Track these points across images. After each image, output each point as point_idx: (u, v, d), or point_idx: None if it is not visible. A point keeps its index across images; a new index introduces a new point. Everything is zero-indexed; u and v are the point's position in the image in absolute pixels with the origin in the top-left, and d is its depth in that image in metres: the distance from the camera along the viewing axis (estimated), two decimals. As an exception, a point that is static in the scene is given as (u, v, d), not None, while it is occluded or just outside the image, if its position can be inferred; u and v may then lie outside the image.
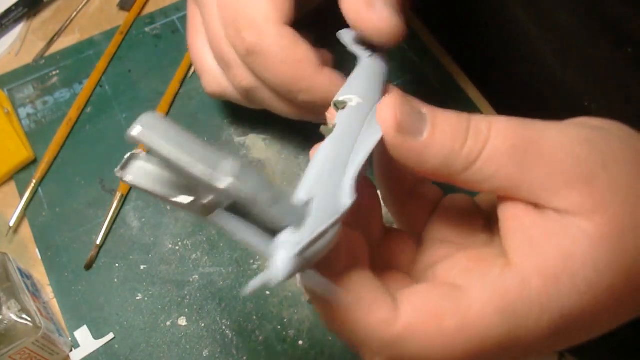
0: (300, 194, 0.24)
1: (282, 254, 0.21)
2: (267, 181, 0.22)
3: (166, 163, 0.21)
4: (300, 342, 0.39)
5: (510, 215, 0.26)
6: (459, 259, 0.27)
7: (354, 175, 0.25)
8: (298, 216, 0.23)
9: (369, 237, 0.29)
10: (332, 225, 0.23)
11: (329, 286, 0.23)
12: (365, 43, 0.33)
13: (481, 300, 0.24)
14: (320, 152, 0.26)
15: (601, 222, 0.24)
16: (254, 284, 0.21)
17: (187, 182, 0.22)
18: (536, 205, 0.25)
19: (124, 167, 0.22)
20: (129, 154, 0.22)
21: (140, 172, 0.22)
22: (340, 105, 0.28)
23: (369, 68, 0.31)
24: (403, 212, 0.31)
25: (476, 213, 0.30)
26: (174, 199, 0.22)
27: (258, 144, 0.47)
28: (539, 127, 0.25)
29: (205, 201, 0.21)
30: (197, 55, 0.41)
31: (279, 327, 0.39)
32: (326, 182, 0.25)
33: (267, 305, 0.40)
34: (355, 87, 0.29)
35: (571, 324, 0.24)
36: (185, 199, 0.22)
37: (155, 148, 0.21)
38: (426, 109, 0.26)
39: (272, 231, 0.22)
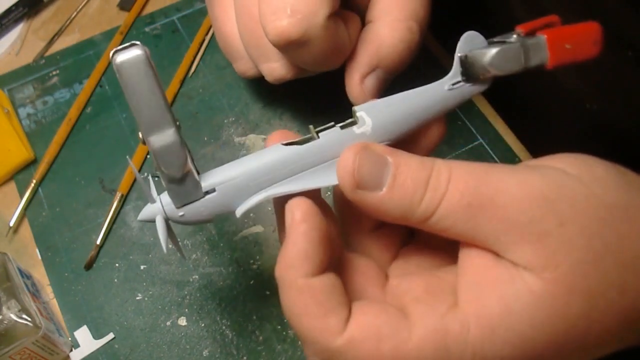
0: (211, 180, 0.28)
1: (152, 206, 0.28)
2: (183, 162, 0.27)
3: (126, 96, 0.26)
4: (300, 342, 0.39)
5: (466, 257, 0.27)
6: (417, 284, 0.28)
7: (266, 196, 0.27)
8: (189, 193, 0.28)
9: (362, 226, 0.31)
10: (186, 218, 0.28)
11: (165, 242, 0.28)
12: (473, 74, 0.29)
13: (421, 334, 0.25)
14: (269, 153, 0.28)
15: (549, 280, 0.24)
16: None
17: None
18: (493, 254, 0.26)
19: (120, 51, 0.25)
20: (130, 43, 0.25)
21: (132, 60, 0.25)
22: (354, 117, 0.29)
23: (431, 95, 0.29)
24: (365, 249, 0.31)
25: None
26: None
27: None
28: (498, 180, 0.25)
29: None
30: (234, 42, 0.41)
31: (279, 327, 0.39)
32: (240, 185, 0.28)
33: (267, 305, 0.40)
34: (390, 109, 0.29)
35: None
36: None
37: (125, 82, 0.25)
38: (391, 157, 0.26)
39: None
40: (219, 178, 0.28)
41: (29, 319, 0.36)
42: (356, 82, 0.38)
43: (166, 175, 0.27)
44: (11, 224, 0.44)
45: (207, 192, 0.28)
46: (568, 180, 0.25)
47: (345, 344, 0.25)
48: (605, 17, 0.36)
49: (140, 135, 0.27)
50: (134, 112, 0.26)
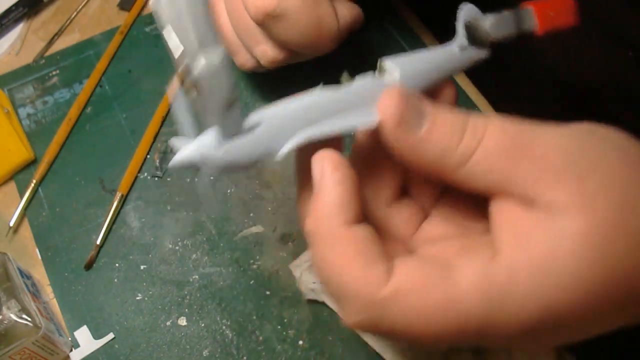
0: (254, 118, 0.26)
1: (188, 146, 0.25)
2: (231, 87, 0.24)
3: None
4: (300, 342, 0.39)
5: (500, 210, 0.26)
6: (453, 243, 0.27)
7: (307, 137, 0.26)
8: (233, 126, 0.25)
9: (380, 197, 0.30)
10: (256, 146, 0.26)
11: (211, 199, 0.25)
12: (476, 38, 0.32)
13: (469, 280, 0.24)
14: (309, 96, 0.27)
15: (590, 220, 0.24)
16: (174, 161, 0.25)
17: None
18: (527, 202, 0.25)
19: None
20: None
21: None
22: (380, 69, 0.29)
23: (443, 55, 0.31)
24: (383, 223, 0.31)
25: (480, 202, 0.30)
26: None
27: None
28: (534, 127, 0.26)
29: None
30: (229, 35, 0.42)
31: (279, 327, 0.39)
32: (283, 124, 0.26)
33: (267, 305, 0.40)
34: (413, 63, 0.30)
35: (554, 320, 0.24)
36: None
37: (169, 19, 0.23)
38: (428, 107, 0.26)
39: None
40: (261, 116, 0.26)
41: (29, 319, 0.36)
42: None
43: (212, 102, 0.24)
44: (11, 224, 0.44)
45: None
46: (597, 134, 0.26)
47: (392, 293, 0.24)
48: (605, 17, 0.36)
49: (181, 63, 0.24)
50: (179, 33, 0.23)
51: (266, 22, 0.37)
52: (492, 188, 0.26)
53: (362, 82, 0.28)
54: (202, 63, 0.23)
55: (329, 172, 0.25)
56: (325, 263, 0.25)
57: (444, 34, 0.32)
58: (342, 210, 0.25)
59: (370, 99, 0.27)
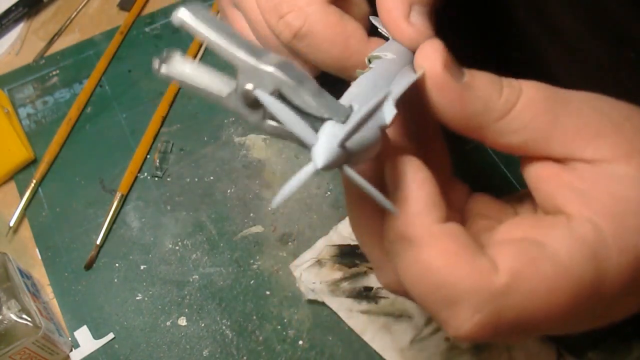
0: (343, 100, 0.24)
1: (323, 141, 0.21)
2: (308, 75, 0.22)
3: (212, 46, 0.22)
4: (300, 342, 0.39)
5: (542, 174, 0.26)
6: (517, 222, 0.26)
7: (395, 97, 0.25)
8: (340, 112, 0.23)
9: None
10: (371, 117, 0.23)
11: (376, 192, 0.22)
12: None
13: (566, 247, 0.24)
14: (362, 78, 0.27)
15: (638, 164, 0.24)
16: (294, 182, 0.21)
17: (222, 78, 0.24)
18: (564, 161, 0.26)
19: (163, 61, 0.23)
20: (165, 50, 0.23)
21: (178, 66, 0.23)
22: (373, 59, 0.29)
23: (399, 45, 0.31)
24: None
25: (506, 203, 0.30)
26: (212, 91, 0.23)
27: (258, 144, 0.47)
28: (563, 89, 0.26)
29: (245, 88, 0.22)
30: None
31: (279, 327, 0.39)
32: (367, 97, 0.24)
33: (267, 305, 0.40)
34: (388, 49, 0.30)
35: None
36: (223, 91, 0.23)
37: (202, 31, 0.21)
38: (460, 66, 0.26)
39: (313, 125, 0.22)
40: (348, 98, 0.25)
41: (29, 319, 0.36)
42: (404, 26, 0.32)
43: (305, 99, 0.22)
44: (11, 224, 0.44)
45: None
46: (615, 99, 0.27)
47: (510, 279, 0.23)
48: (606, 18, 0.36)
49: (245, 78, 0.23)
50: (228, 52, 0.22)
51: (293, 43, 0.35)
52: (529, 144, 0.26)
53: (383, 61, 0.28)
54: (272, 66, 0.22)
55: (413, 173, 0.24)
56: (424, 268, 0.23)
57: (444, 34, 0.32)
58: (434, 208, 0.24)
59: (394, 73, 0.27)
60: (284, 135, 0.23)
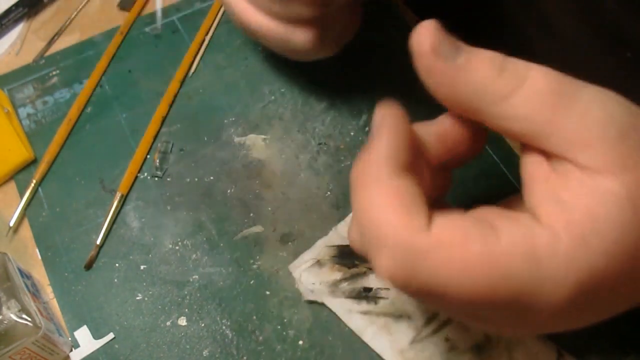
0: None
1: None
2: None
3: None
4: (300, 342, 0.39)
5: (534, 173, 0.26)
6: (492, 208, 0.27)
7: None
8: None
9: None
10: None
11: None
12: None
13: (510, 239, 0.24)
14: None
15: (629, 181, 0.23)
16: None
17: None
18: (561, 158, 0.25)
19: None
20: None
21: None
22: None
23: None
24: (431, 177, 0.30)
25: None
26: None
27: (258, 144, 0.47)
28: (576, 81, 0.25)
29: None
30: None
31: (279, 327, 0.39)
32: None
33: (267, 305, 0.40)
34: None
35: (598, 288, 0.24)
36: None
37: None
38: (464, 45, 0.26)
39: None
40: None
41: (29, 319, 0.36)
42: None
43: None
44: (11, 224, 0.44)
45: None
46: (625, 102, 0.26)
47: (432, 243, 0.23)
48: (604, 17, 0.36)
49: None
50: None
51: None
52: (527, 135, 0.25)
53: None
54: None
55: (387, 121, 0.25)
56: (365, 207, 0.25)
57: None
58: (391, 158, 0.25)
59: None
60: None
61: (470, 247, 0.23)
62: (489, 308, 0.25)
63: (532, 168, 0.26)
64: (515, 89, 0.24)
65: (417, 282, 0.24)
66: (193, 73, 0.51)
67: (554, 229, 0.24)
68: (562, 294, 0.24)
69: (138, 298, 0.41)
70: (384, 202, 0.24)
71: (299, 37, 0.39)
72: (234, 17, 0.42)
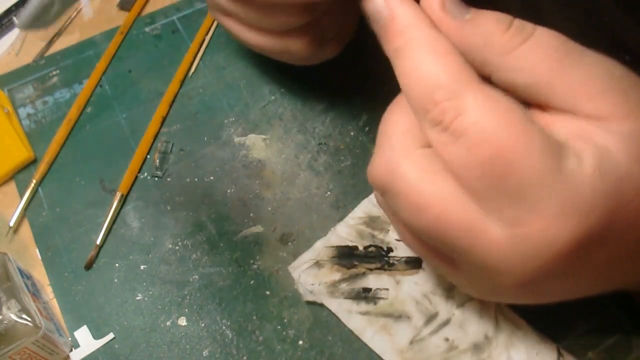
0: None
1: None
2: None
3: None
4: (300, 342, 0.39)
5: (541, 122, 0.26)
6: None
7: None
8: None
9: None
10: None
11: None
12: None
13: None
14: None
15: (635, 123, 0.25)
16: None
17: None
18: (562, 113, 0.26)
19: None
20: None
21: None
22: None
23: None
24: None
25: None
26: None
27: (258, 144, 0.47)
28: (581, 46, 0.27)
29: None
30: None
31: (279, 327, 0.39)
32: None
33: (267, 305, 0.40)
34: None
35: (612, 222, 0.25)
36: None
37: None
38: (472, 8, 0.27)
39: None
40: None
41: (29, 319, 0.36)
42: None
43: None
44: (11, 224, 0.44)
45: None
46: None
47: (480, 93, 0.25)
48: (602, 21, 0.36)
49: None
50: None
51: None
52: (532, 87, 0.26)
53: None
54: None
55: None
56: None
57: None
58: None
59: None
60: None
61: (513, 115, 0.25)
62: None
63: (535, 116, 0.27)
64: (521, 43, 0.26)
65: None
66: (193, 73, 0.51)
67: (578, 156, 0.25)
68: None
69: (138, 298, 0.41)
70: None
71: (296, 46, 0.39)
72: (233, 37, 0.42)
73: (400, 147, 0.27)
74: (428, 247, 0.30)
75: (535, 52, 0.25)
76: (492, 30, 0.26)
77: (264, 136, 0.47)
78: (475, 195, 0.25)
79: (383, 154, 0.28)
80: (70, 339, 0.40)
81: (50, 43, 0.54)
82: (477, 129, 0.24)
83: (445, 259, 0.30)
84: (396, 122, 0.28)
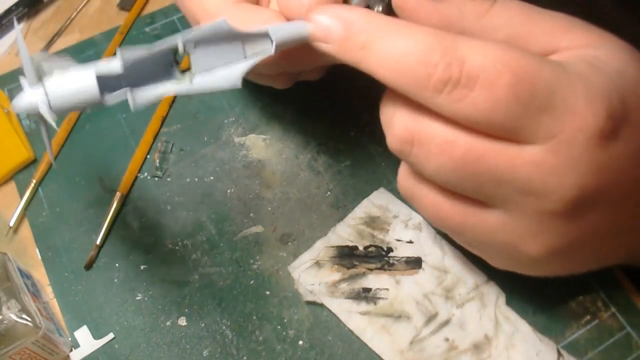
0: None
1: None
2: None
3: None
4: (300, 342, 0.39)
5: None
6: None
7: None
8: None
9: None
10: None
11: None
12: None
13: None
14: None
15: (610, 43, 0.28)
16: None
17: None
18: (545, 54, 0.29)
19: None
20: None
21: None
22: None
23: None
24: None
25: None
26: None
27: (258, 144, 0.47)
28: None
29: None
30: None
31: (279, 327, 0.39)
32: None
33: (267, 305, 0.40)
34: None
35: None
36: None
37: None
38: None
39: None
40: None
41: (29, 319, 0.36)
42: None
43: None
44: (11, 224, 0.44)
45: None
46: None
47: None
48: (601, 20, 0.36)
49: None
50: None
51: None
52: (512, 39, 0.29)
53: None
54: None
55: None
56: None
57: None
58: None
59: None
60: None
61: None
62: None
63: None
64: (491, 5, 0.29)
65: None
66: (193, 73, 0.51)
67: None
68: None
69: (138, 298, 0.41)
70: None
71: (278, 85, 0.40)
72: None
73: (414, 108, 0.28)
74: (457, 200, 0.30)
75: (506, 10, 0.29)
76: (464, 1, 0.29)
77: (264, 136, 0.47)
78: (505, 126, 0.26)
79: (400, 118, 0.29)
80: (70, 339, 0.40)
81: (50, 43, 0.54)
82: (488, 64, 0.25)
83: (476, 207, 0.29)
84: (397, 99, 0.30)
